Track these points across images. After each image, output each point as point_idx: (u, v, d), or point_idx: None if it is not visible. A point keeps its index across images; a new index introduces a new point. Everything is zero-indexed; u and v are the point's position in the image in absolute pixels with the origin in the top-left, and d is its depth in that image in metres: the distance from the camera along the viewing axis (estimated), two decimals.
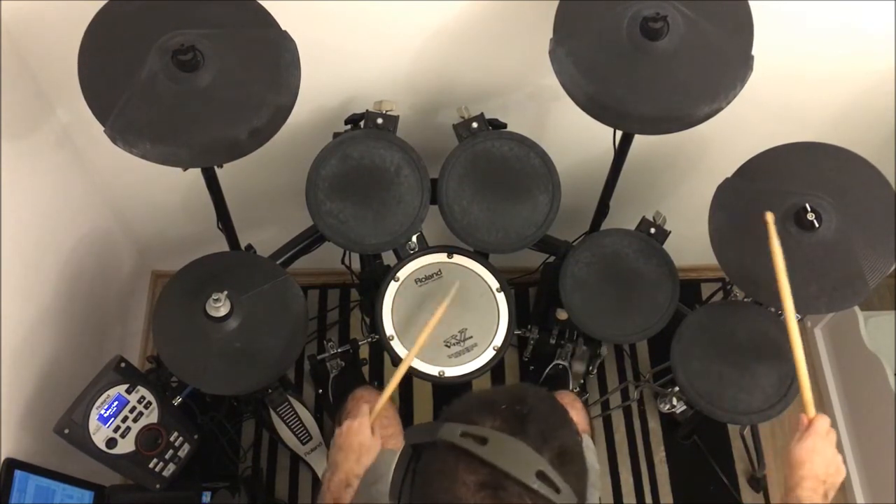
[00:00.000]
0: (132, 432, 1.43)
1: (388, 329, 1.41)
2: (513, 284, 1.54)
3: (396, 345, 1.40)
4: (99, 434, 1.39)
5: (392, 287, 1.44)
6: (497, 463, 0.74)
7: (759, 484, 1.96)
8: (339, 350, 1.86)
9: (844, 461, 1.10)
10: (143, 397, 1.45)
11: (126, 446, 1.42)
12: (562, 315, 1.79)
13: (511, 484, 0.74)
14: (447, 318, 1.42)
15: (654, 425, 2.04)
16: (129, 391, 1.43)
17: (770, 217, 1.22)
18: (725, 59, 1.20)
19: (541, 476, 0.74)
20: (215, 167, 1.32)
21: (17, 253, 1.40)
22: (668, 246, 1.49)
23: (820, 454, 1.10)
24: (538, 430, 0.77)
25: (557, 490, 0.74)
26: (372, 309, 1.45)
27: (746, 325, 1.41)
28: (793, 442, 1.13)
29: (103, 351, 1.77)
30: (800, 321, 1.49)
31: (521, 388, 0.84)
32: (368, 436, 1.20)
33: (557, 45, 1.21)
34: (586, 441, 1.37)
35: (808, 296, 1.28)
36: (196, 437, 1.53)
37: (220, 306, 1.32)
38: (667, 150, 1.68)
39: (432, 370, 1.39)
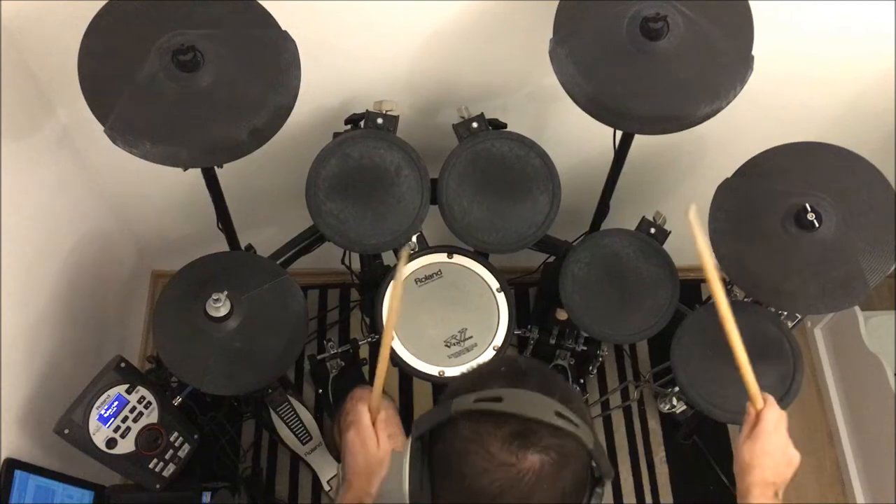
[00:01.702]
0: (132, 432, 1.43)
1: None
2: (513, 284, 1.54)
3: (396, 345, 1.40)
4: (99, 434, 1.39)
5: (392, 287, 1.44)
6: (519, 412, 0.78)
7: None
8: (339, 350, 1.86)
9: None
10: (143, 397, 1.45)
11: (126, 446, 1.42)
12: (562, 315, 1.79)
13: (539, 427, 0.77)
14: (447, 317, 1.43)
15: (654, 425, 2.04)
16: (129, 391, 1.43)
17: (692, 211, 1.05)
18: (725, 59, 1.20)
19: (559, 415, 0.78)
20: (215, 167, 1.32)
21: (16, 253, 1.40)
22: (668, 246, 1.49)
23: (769, 456, 1.05)
24: (539, 381, 0.82)
25: (577, 425, 0.79)
26: (372, 309, 1.45)
27: (746, 325, 1.39)
28: (741, 439, 1.09)
29: (103, 351, 1.77)
30: (800, 321, 1.50)
31: (509, 355, 0.89)
32: (374, 449, 1.12)
33: (557, 45, 1.21)
34: None
35: (808, 296, 1.28)
36: (196, 437, 1.53)
37: (220, 306, 1.32)
38: (667, 150, 1.68)
39: (432, 370, 1.39)
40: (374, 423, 1.13)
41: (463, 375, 0.88)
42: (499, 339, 1.41)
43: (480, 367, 0.89)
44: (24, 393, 1.45)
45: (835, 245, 1.26)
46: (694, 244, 1.05)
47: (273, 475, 1.94)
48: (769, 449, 1.06)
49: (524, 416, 0.77)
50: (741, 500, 1.07)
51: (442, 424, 0.82)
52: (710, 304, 1.65)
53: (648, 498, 1.96)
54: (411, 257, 1.46)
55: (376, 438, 1.12)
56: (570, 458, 0.79)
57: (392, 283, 1.35)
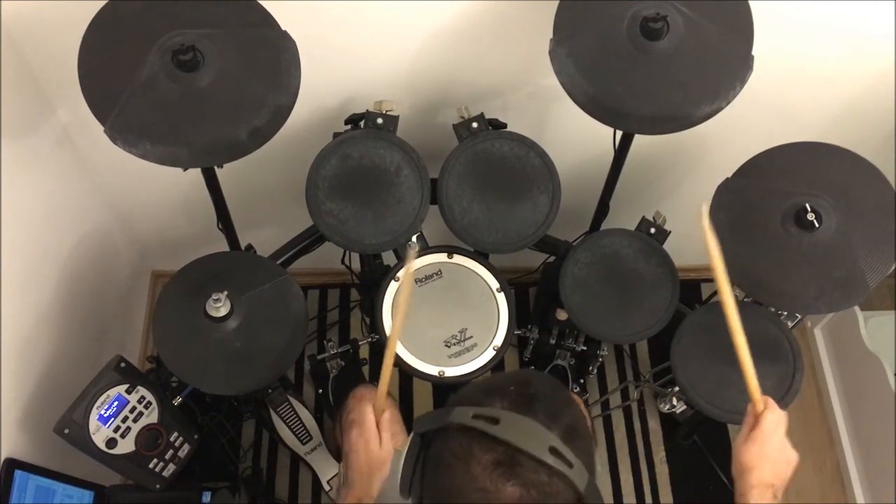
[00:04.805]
0: (132, 432, 1.43)
1: (388, 329, 1.41)
2: (513, 284, 1.54)
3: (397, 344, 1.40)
4: (99, 434, 1.39)
5: (392, 287, 1.45)
6: (511, 440, 0.76)
7: None
8: (339, 350, 1.86)
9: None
10: (143, 397, 1.45)
11: (126, 446, 1.41)
12: (562, 315, 1.79)
13: (526, 460, 0.75)
14: (447, 317, 1.43)
15: (654, 425, 2.04)
16: (129, 391, 1.43)
17: (705, 208, 1.09)
18: (725, 59, 1.20)
19: (553, 451, 0.76)
20: (215, 167, 1.32)
21: (17, 253, 1.40)
22: (668, 246, 1.49)
23: (767, 458, 1.06)
24: (546, 409, 0.79)
25: (570, 465, 0.76)
26: (372, 309, 1.45)
27: (746, 325, 1.40)
28: (739, 439, 1.09)
29: (103, 351, 1.77)
30: (800, 321, 1.50)
31: (525, 372, 0.86)
32: (377, 449, 1.13)
33: (557, 45, 1.21)
34: None
35: (808, 296, 1.28)
36: (196, 437, 1.53)
37: (220, 306, 1.32)
38: (667, 150, 1.68)
39: (432, 370, 1.39)
40: (377, 423, 1.12)
41: (473, 384, 0.87)
42: (499, 339, 1.41)
43: (492, 380, 0.87)
44: (24, 393, 1.45)
45: (835, 245, 1.26)
46: (704, 243, 1.04)
47: (273, 475, 1.95)
48: (767, 451, 1.06)
49: (514, 445, 0.75)
50: (740, 499, 1.06)
51: (438, 430, 0.82)
52: (710, 303, 1.65)
53: (648, 498, 1.96)
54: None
55: (379, 438, 1.12)
56: (554, 498, 0.76)
57: (401, 282, 1.33)
